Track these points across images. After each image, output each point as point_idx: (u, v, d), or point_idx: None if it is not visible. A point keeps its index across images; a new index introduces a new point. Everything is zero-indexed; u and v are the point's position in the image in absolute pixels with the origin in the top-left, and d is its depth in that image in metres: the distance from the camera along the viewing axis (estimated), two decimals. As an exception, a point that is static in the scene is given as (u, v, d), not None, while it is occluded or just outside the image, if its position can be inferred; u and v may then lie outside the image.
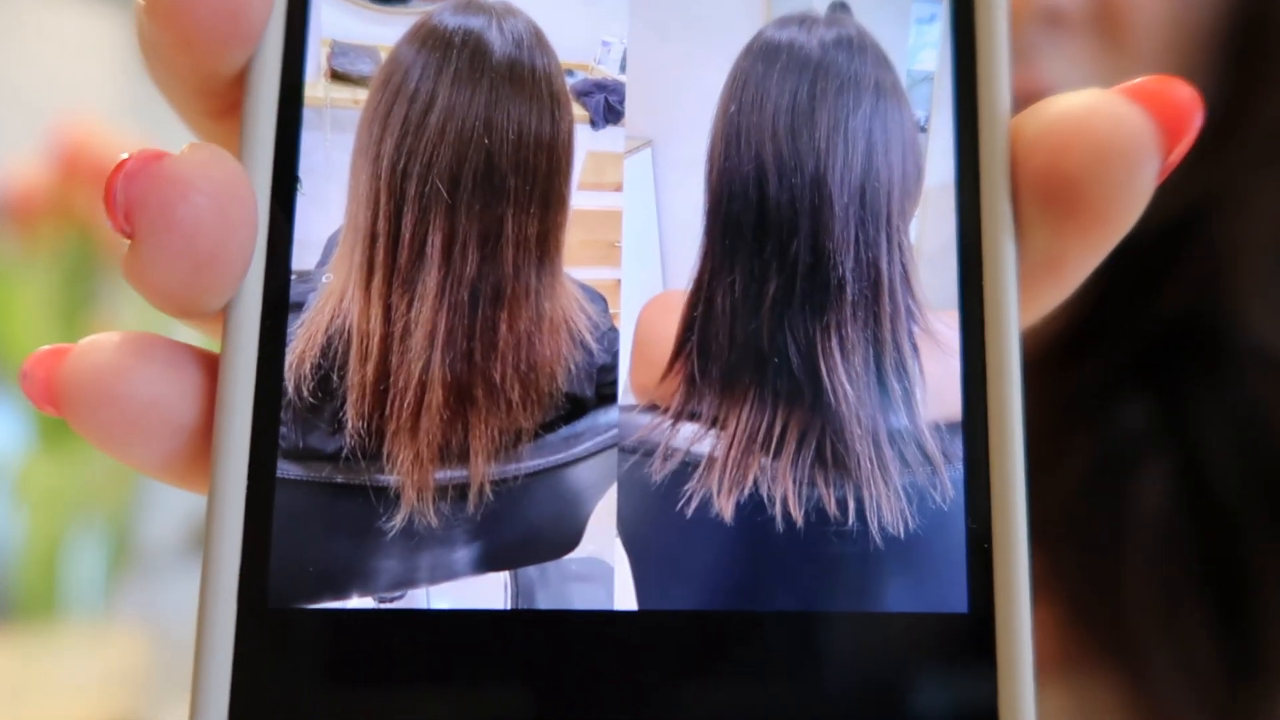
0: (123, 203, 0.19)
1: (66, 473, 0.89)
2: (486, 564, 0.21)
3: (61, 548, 0.89)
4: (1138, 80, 0.21)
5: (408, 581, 0.21)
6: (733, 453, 0.21)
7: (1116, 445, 0.48)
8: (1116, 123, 0.20)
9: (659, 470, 0.21)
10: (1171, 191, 0.44)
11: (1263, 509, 0.47)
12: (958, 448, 0.21)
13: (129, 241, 0.20)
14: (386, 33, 0.22)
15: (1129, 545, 0.47)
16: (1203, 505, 0.47)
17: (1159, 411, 0.48)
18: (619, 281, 0.22)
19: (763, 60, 0.22)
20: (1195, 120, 0.20)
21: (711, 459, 0.21)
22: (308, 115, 0.22)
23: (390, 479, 0.21)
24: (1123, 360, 0.49)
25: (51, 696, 0.86)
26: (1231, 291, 0.45)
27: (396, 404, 0.21)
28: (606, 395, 0.21)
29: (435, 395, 0.21)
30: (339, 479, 0.21)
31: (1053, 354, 0.50)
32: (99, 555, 0.91)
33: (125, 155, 0.20)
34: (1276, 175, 0.44)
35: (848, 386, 0.21)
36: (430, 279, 0.21)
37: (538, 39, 0.22)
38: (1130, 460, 0.48)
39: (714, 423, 0.21)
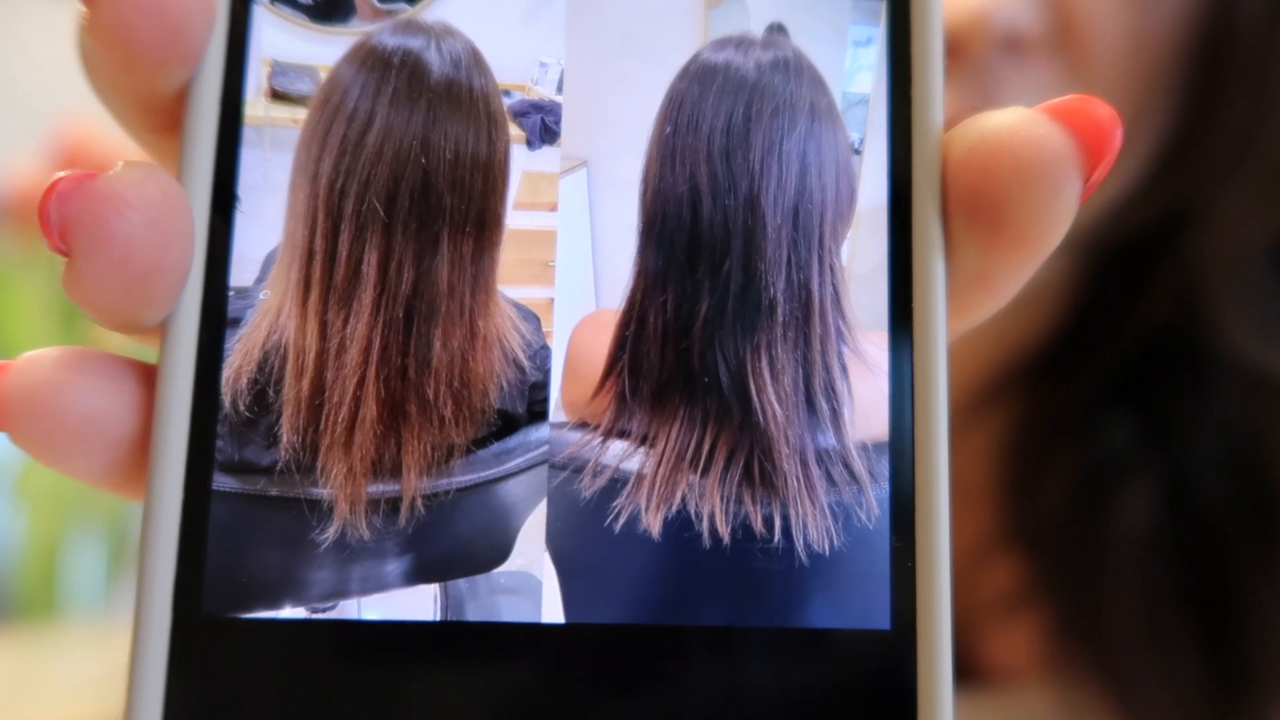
0: (57, 221, 0.20)
1: (66, 473, 0.89)
2: (417, 576, 0.21)
3: (61, 548, 0.90)
4: (1060, 99, 0.21)
5: (339, 592, 0.21)
6: (661, 470, 0.21)
7: (1100, 459, 0.48)
8: (1039, 144, 0.20)
9: (588, 486, 0.21)
10: (1142, 205, 0.44)
11: (1245, 521, 0.47)
12: (884, 467, 0.21)
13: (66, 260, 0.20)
14: (326, 53, 0.22)
15: (1114, 558, 0.47)
16: (1186, 518, 0.47)
17: (1141, 425, 0.48)
18: (552, 300, 0.22)
19: (699, 82, 0.23)
20: (1115, 140, 0.21)
21: (640, 476, 0.21)
22: (247, 134, 0.22)
23: (323, 492, 0.21)
24: (1105, 375, 0.49)
25: (51, 696, 0.86)
26: (1206, 304, 0.45)
27: (331, 419, 0.21)
28: (538, 412, 0.22)
29: (369, 410, 0.21)
30: (273, 492, 0.21)
31: (1036, 369, 0.50)
32: (99, 555, 0.92)
33: (59, 175, 0.20)
34: (1240, 188, 0.44)
35: (776, 406, 0.22)
36: (366, 296, 0.22)
37: (475, 60, 0.23)
38: (1114, 474, 0.48)
39: (644, 440, 0.22)
